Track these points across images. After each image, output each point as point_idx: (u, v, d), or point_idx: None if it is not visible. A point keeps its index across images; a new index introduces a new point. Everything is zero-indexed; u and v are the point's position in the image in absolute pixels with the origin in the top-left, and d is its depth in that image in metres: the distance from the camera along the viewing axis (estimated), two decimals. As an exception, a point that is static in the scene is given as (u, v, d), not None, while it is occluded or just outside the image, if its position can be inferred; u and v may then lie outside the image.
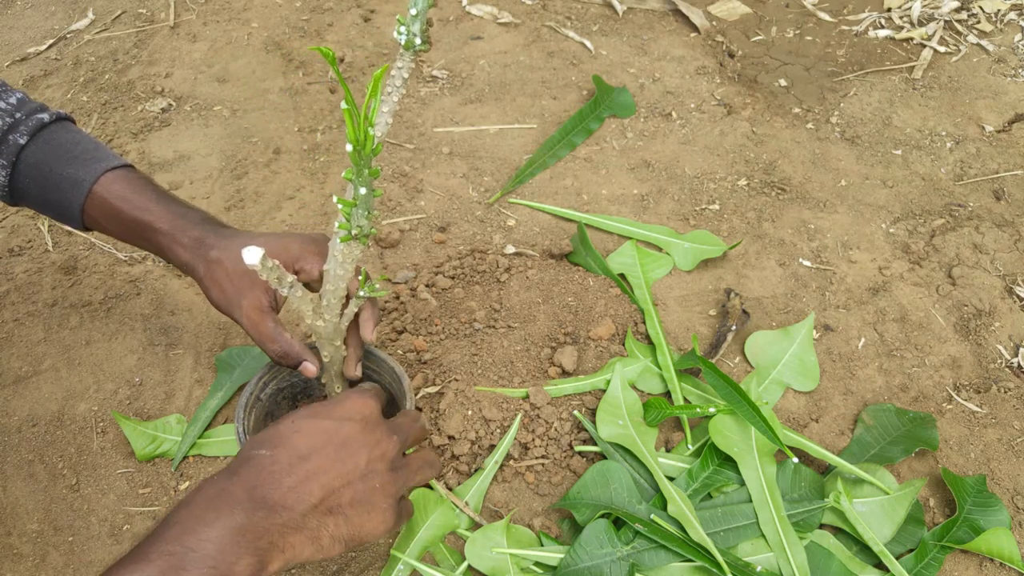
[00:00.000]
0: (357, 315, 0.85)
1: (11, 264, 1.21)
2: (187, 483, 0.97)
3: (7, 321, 1.13)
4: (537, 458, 0.98)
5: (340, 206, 0.67)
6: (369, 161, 0.65)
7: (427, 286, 1.15)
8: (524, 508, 0.95)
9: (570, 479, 0.97)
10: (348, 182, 0.66)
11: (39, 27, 1.64)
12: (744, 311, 1.15)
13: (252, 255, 0.64)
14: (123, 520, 0.94)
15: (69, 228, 1.25)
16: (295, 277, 0.73)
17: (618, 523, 0.90)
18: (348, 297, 0.82)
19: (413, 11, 0.64)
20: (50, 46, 1.59)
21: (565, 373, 1.05)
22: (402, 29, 0.65)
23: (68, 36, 1.62)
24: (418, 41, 0.65)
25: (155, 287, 1.18)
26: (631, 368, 1.06)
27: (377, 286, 0.77)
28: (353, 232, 0.69)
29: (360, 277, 0.78)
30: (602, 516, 0.91)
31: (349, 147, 0.63)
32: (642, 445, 0.96)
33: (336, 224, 0.69)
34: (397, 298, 1.14)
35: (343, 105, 0.61)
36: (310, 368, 0.84)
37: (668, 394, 1.05)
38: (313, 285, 0.84)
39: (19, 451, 1.00)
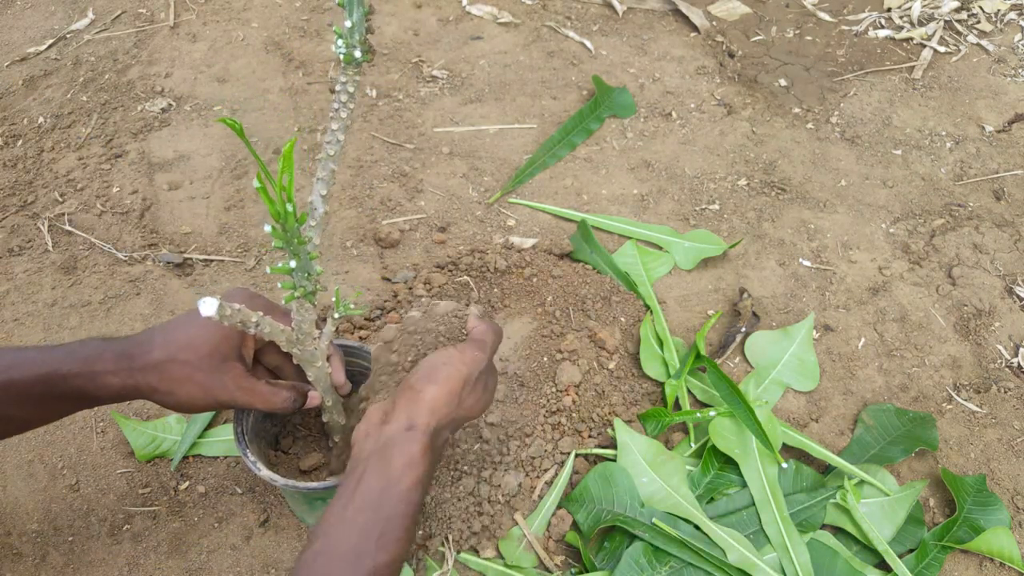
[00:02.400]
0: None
1: (11, 264, 1.21)
2: (187, 483, 0.97)
3: (7, 321, 1.13)
4: None
5: (280, 272, 0.65)
6: (297, 232, 0.61)
7: (425, 284, 1.15)
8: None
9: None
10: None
11: (39, 27, 1.64)
12: (754, 313, 1.15)
13: (208, 306, 0.60)
14: (123, 520, 0.94)
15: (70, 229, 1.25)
16: (260, 314, 0.68)
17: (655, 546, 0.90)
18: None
19: (348, 23, 0.60)
20: (50, 46, 1.59)
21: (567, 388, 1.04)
22: (339, 43, 0.61)
23: (68, 36, 1.62)
24: (358, 53, 0.61)
25: (155, 287, 1.17)
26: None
27: (352, 304, 0.73)
28: (296, 294, 0.67)
29: (334, 298, 0.75)
30: (603, 525, 0.91)
31: (268, 227, 0.59)
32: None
33: (280, 284, 0.67)
34: (395, 296, 1.14)
35: (255, 184, 0.56)
36: (315, 396, 0.81)
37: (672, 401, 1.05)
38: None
39: (19, 451, 1.00)
